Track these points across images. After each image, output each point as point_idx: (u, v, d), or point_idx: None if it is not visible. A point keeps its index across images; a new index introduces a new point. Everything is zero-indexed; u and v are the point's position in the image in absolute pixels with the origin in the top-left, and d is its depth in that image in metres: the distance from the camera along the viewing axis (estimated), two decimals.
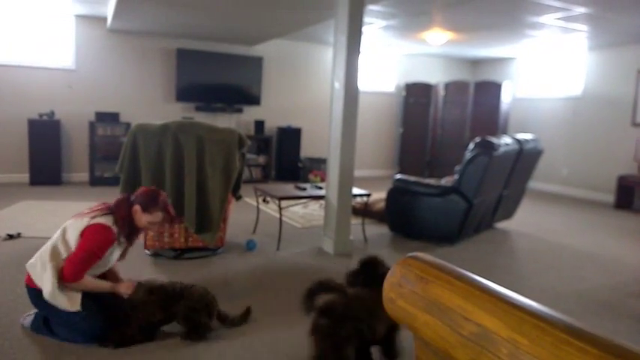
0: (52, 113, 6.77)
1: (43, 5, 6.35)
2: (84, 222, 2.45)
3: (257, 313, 2.93)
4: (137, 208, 2.57)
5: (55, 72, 6.94)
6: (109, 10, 6.13)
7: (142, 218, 2.58)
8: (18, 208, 5.24)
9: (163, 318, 2.53)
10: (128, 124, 7.04)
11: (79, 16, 6.93)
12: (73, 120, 7.08)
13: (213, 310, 2.60)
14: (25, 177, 6.80)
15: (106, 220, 2.47)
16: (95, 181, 6.95)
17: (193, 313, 2.50)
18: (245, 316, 2.77)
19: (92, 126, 6.87)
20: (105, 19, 6.97)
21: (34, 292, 2.44)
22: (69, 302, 2.39)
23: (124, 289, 2.53)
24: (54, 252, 2.43)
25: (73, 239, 2.43)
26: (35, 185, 6.64)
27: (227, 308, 2.97)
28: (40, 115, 6.70)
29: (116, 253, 2.58)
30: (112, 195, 5.99)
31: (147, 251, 3.94)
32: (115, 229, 2.48)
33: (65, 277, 2.38)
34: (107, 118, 7.02)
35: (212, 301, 2.60)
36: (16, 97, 6.74)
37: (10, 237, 4.19)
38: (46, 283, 2.37)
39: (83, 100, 7.13)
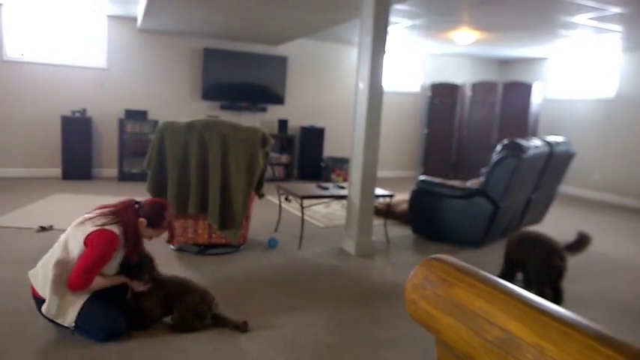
0: (84, 110, 6.94)
1: (78, 6, 6.51)
2: (87, 229, 2.39)
3: (277, 311, 2.94)
4: (143, 221, 2.56)
5: (88, 71, 7.10)
6: (140, 10, 6.25)
7: (146, 231, 2.59)
8: (50, 201, 5.39)
9: (161, 313, 2.63)
10: (156, 122, 7.15)
11: (111, 17, 7.08)
12: (103, 117, 7.24)
13: (205, 317, 2.63)
14: (58, 171, 6.98)
15: (111, 227, 2.42)
16: (123, 177, 7.09)
17: (186, 317, 2.57)
18: (241, 327, 2.66)
19: (121, 123, 7.01)
20: (135, 19, 7.11)
21: (40, 302, 2.42)
22: (63, 317, 2.38)
23: (137, 286, 2.55)
24: (57, 263, 2.38)
25: (76, 248, 2.39)
26: (67, 180, 6.81)
27: (248, 304, 2.99)
28: (73, 112, 6.87)
29: (118, 259, 2.54)
30: (140, 191, 6.13)
31: (171, 246, 4.00)
32: (120, 235, 2.43)
33: (73, 286, 2.36)
34: (136, 115, 7.15)
35: (205, 310, 2.62)
36: (50, 94, 6.93)
37: (43, 229, 4.31)
38: (47, 296, 2.37)
39: (114, 98, 7.28)
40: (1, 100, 6.70)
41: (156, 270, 2.63)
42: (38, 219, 4.60)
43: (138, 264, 2.56)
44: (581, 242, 3.30)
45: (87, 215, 2.50)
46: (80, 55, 7.06)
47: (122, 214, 2.50)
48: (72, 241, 2.41)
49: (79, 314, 2.38)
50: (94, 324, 2.40)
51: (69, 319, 2.38)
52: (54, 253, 2.44)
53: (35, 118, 6.90)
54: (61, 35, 6.91)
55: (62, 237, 2.48)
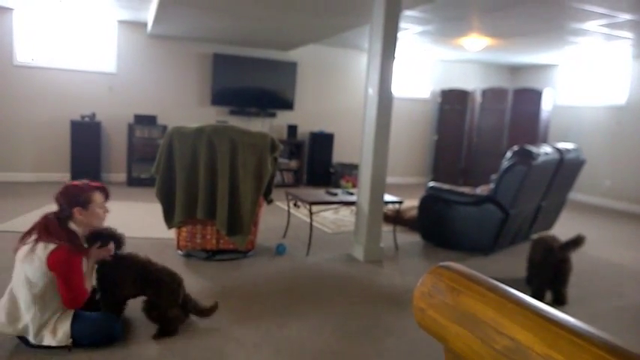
0: (94, 115, 6.99)
1: (88, 11, 6.58)
2: (42, 255, 2.28)
3: (285, 317, 2.93)
4: (77, 210, 2.42)
5: (98, 75, 7.17)
6: (150, 15, 6.30)
7: (88, 216, 2.46)
8: None
9: (133, 294, 2.60)
10: (165, 127, 7.19)
11: (121, 22, 7.15)
12: (112, 122, 7.30)
13: (177, 297, 2.60)
14: (67, 176, 7.03)
15: (54, 246, 2.30)
16: (132, 182, 7.13)
17: (158, 300, 2.55)
18: (212, 309, 2.75)
19: (131, 128, 7.06)
20: (145, 24, 7.17)
21: (27, 341, 2.35)
22: (52, 336, 2.33)
23: (97, 255, 2.49)
24: (33, 301, 2.30)
25: (41, 276, 2.28)
26: None
27: (255, 311, 2.98)
28: (82, 117, 6.93)
29: (85, 263, 2.45)
30: (148, 196, 6.15)
31: (179, 251, 4.01)
32: (67, 246, 2.32)
33: (77, 305, 2.36)
34: (145, 120, 7.20)
35: (176, 290, 2.60)
36: (60, 99, 7.00)
37: None
38: (29, 330, 2.31)
39: (123, 103, 7.34)
40: (11, 104, 6.78)
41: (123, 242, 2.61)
42: None
43: (108, 235, 2.55)
44: (575, 241, 3.35)
45: (25, 247, 2.35)
46: (90, 60, 7.13)
47: (54, 232, 2.35)
48: (29, 273, 2.29)
49: (72, 328, 2.34)
50: (88, 332, 2.38)
51: (59, 336, 2.32)
52: (21, 299, 2.32)
53: (44, 122, 6.97)
54: (71, 40, 6.99)
55: (15, 280, 2.35)
